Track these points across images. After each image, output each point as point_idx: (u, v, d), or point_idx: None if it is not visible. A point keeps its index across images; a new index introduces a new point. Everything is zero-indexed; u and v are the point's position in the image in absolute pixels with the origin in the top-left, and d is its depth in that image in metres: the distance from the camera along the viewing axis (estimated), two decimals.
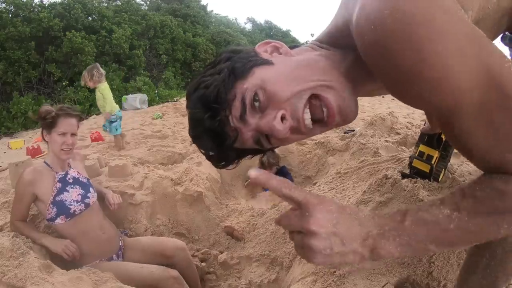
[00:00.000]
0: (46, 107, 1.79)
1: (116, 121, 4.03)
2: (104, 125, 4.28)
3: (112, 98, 4.05)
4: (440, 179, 1.41)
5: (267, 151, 0.72)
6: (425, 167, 1.40)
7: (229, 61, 0.63)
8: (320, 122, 0.61)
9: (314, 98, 0.59)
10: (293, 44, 0.71)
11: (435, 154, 1.36)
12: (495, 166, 0.50)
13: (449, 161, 1.44)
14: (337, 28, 0.65)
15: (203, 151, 0.67)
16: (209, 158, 0.69)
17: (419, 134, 1.45)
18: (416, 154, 1.41)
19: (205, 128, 0.61)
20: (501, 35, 0.87)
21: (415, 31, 0.46)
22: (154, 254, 1.94)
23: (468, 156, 0.55)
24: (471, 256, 0.89)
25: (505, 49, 0.88)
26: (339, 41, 0.65)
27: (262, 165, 3.04)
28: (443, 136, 1.36)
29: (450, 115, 0.50)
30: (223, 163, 0.69)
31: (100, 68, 3.95)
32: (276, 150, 3.17)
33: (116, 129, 3.94)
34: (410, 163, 1.46)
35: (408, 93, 0.51)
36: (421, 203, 0.59)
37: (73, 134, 1.81)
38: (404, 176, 1.49)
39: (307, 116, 0.59)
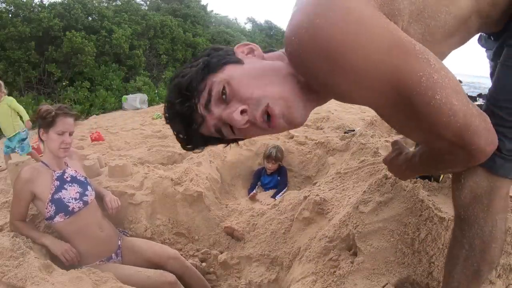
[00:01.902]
0: (45, 106, 1.80)
1: (27, 137, 3.85)
2: (8, 147, 3.80)
3: None
4: (440, 180, 1.41)
5: (231, 142, 0.79)
6: None
7: (207, 56, 0.70)
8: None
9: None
10: (270, 48, 0.78)
11: None
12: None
13: None
14: None
15: (174, 132, 0.75)
16: (178, 139, 0.75)
17: None
18: None
19: (176, 111, 0.70)
20: (479, 35, 0.89)
21: (326, 46, 0.52)
22: (146, 261, 1.93)
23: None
24: (452, 249, 0.90)
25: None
26: None
27: (268, 158, 2.98)
28: None
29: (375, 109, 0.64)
30: (190, 146, 0.76)
31: None
32: (282, 147, 3.14)
33: (29, 146, 3.86)
34: None
35: (333, 95, 0.63)
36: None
37: (71, 133, 1.83)
38: None
39: (265, 119, 0.66)
